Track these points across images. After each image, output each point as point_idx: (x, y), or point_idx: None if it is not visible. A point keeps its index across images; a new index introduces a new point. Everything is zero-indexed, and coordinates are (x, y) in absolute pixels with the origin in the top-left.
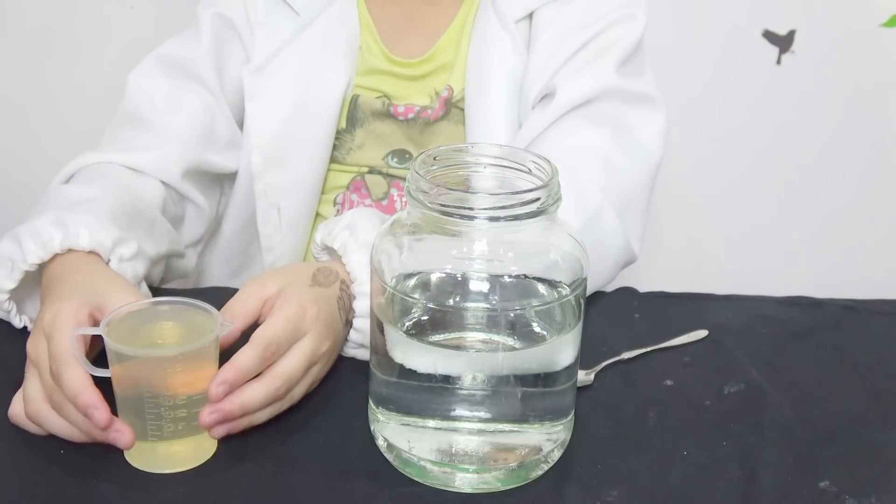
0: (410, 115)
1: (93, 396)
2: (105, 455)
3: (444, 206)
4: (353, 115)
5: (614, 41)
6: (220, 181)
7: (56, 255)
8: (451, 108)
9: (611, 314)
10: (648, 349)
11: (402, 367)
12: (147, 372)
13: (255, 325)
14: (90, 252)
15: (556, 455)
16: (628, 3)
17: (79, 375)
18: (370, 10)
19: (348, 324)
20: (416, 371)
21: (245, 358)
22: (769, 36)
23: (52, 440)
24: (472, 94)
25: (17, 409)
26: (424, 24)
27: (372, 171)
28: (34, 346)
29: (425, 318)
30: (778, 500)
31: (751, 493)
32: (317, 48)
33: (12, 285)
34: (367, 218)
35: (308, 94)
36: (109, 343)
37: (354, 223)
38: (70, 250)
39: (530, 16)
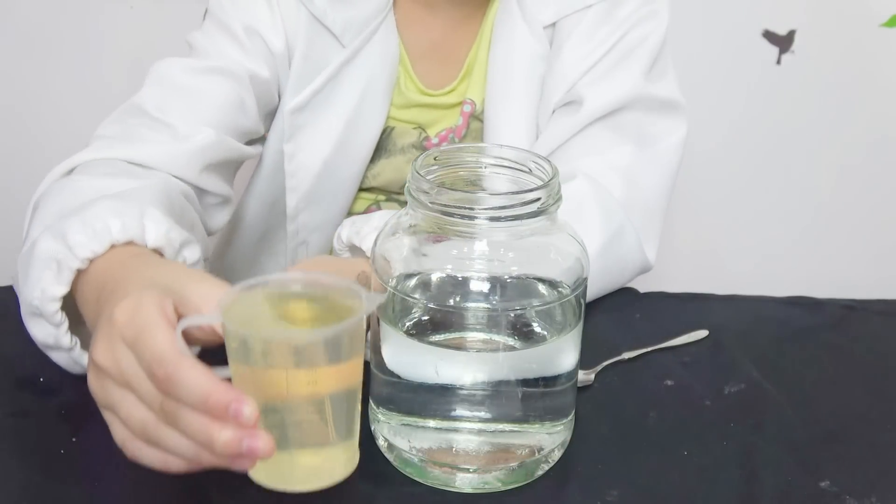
0: (444, 145)
1: (231, 391)
2: (105, 455)
3: (444, 206)
4: (381, 147)
5: (639, 42)
6: (239, 165)
7: (110, 250)
8: (473, 121)
9: (611, 314)
10: (649, 349)
11: (401, 367)
12: (285, 364)
13: None
14: (153, 250)
15: (557, 455)
16: (650, 0)
17: (202, 373)
18: (402, 38)
19: (368, 329)
20: (415, 371)
21: None
22: (769, 36)
23: (52, 440)
24: (494, 101)
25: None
26: (454, 44)
27: (389, 198)
28: (112, 358)
29: (426, 318)
30: (778, 500)
31: (751, 493)
32: (361, 84)
33: (64, 290)
34: (384, 219)
35: (349, 133)
36: (236, 330)
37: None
38: (130, 243)
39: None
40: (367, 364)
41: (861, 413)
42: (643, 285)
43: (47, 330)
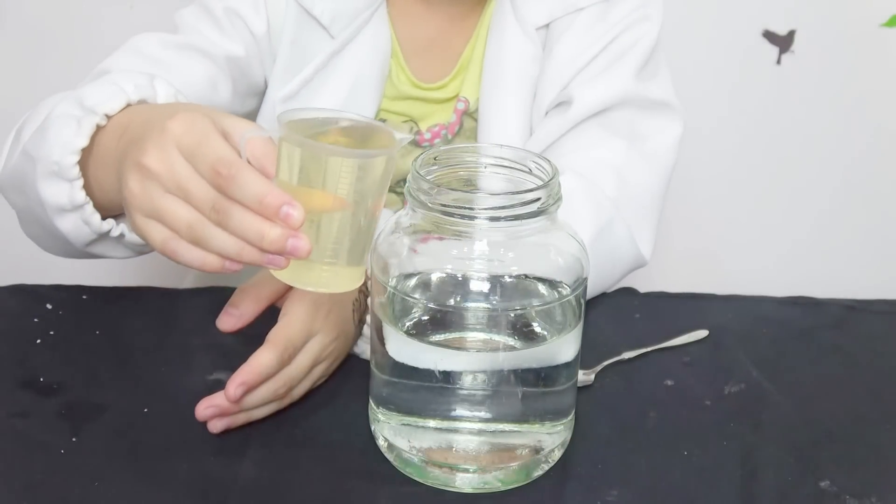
0: (437, 141)
1: (285, 195)
2: (105, 455)
3: (444, 206)
4: None
5: (631, 45)
6: None
7: (125, 108)
8: (466, 119)
9: (611, 314)
10: (648, 349)
11: (402, 366)
12: (324, 182)
13: (273, 308)
14: None
15: (557, 455)
16: (643, 4)
17: (261, 177)
18: (396, 31)
19: (362, 322)
20: (416, 371)
21: (264, 360)
22: (769, 36)
23: (52, 440)
24: (487, 100)
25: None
26: (448, 41)
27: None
28: (166, 162)
29: (426, 318)
30: (778, 500)
31: (751, 493)
32: (350, 75)
33: (84, 142)
34: (384, 217)
35: None
36: (298, 142)
37: None
38: (142, 102)
39: (547, 23)
40: (366, 363)
41: (861, 413)
42: (643, 285)
43: (62, 189)
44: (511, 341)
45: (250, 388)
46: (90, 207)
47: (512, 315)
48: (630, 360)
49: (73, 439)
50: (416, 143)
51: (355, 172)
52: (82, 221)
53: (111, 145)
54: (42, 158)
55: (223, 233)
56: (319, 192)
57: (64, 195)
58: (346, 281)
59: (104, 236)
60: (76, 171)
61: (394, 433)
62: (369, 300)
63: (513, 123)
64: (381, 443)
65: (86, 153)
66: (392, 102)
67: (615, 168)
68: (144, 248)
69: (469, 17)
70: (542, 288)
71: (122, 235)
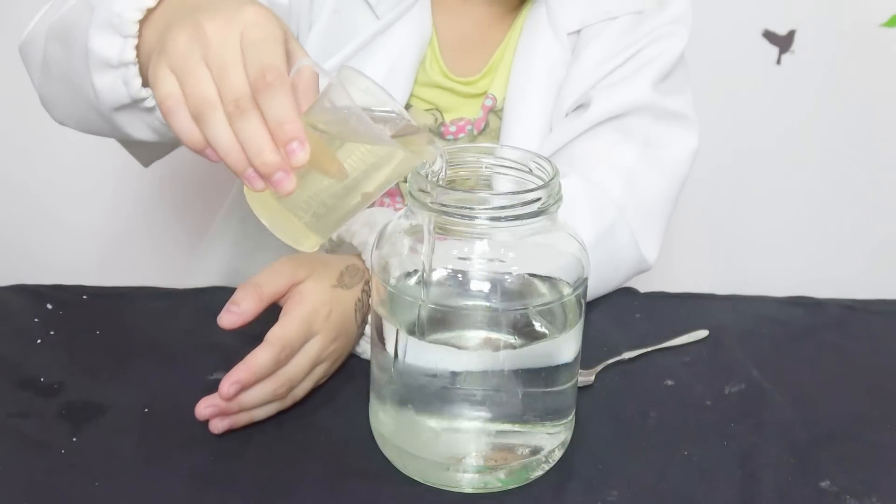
0: (461, 136)
1: (303, 133)
2: (105, 455)
3: (445, 206)
4: None
5: (654, 57)
6: None
7: None
8: (492, 116)
9: (611, 314)
10: (649, 349)
11: (402, 366)
12: (341, 146)
13: (274, 306)
14: None
15: (557, 455)
16: (673, 20)
17: (294, 105)
18: (435, 22)
19: (364, 322)
20: (416, 370)
21: (260, 359)
22: (769, 36)
23: (52, 440)
24: (513, 100)
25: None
26: (483, 39)
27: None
28: (224, 37)
29: (426, 317)
30: (778, 500)
31: (751, 493)
32: (390, 56)
33: (152, 2)
34: (386, 216)
35: None
36: (351, 98)
37: (374, 221)
38: None
39: (579, 29)
40: (367, 363)
41: (861, 413)
42: (643, 285)
43: (114, 42)
44: (511, 341)
45: (245, 387)
46: (135, 69)
47: (512, 315)
48: (630, 360)
49: (73, 439)
50: (440, 135)
51: (373, 158)
52: (122, 81)
53: (172, 8)
54: (103, 8)
55: (226, 126)
56: (330, 152)
57: (114, 49)
58: (303, 239)
59: (135, 104)
60: (135, 29)
61: (394, 433)
62: (370, 299)
63: (535, 124)
64: (381, 443)
65: (145, 16)
66: (421, 89)
67: (625, 171)
68: (166, 133)
69: (505, 18)
70: (542, 288)
71: (153, 109)
